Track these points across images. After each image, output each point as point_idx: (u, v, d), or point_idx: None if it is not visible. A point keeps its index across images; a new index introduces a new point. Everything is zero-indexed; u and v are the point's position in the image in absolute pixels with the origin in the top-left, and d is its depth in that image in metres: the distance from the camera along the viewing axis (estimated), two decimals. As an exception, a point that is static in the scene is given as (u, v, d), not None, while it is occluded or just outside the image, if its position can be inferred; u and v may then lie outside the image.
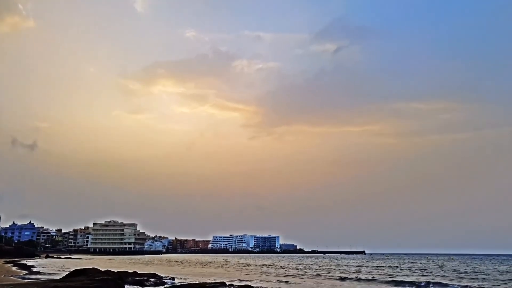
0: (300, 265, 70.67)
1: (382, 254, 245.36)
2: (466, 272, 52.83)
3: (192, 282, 31.52)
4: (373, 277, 41.00)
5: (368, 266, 68.97)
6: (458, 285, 32.89)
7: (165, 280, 35.84)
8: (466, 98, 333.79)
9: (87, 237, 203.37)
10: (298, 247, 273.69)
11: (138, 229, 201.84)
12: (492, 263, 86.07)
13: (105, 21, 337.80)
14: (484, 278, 41.14)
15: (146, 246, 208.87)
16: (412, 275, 44.77)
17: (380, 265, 73.74)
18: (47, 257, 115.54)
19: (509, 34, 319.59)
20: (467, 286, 31.60)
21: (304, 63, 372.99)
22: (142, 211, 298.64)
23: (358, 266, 68.40)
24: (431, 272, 50.91)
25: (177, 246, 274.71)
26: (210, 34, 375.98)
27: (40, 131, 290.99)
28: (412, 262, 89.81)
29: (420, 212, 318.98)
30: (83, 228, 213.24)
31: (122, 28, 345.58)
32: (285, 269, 58.68)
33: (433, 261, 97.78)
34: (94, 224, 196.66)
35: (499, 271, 54.42)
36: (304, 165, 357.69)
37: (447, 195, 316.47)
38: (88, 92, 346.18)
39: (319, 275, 45.04)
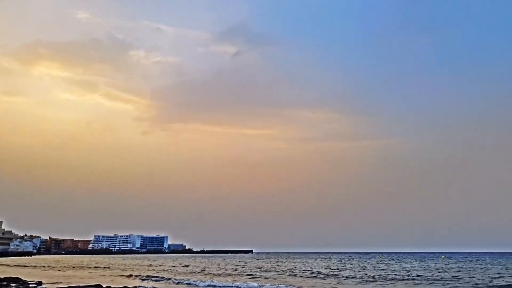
0: (176, 266, 68.84)
1: (268, 253, 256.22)
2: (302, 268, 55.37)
3: (64, 287, 27.64)
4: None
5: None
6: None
7: (31, 285, 30.95)
8: (347, 109, 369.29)
9: None
10: (187, 247, 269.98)
11: (3, 227, 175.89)
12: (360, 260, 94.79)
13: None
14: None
15: (12, 247, 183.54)
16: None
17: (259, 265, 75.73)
18: None
19: (390, 54, 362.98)
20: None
21: (204, 62, 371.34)
22: (9, 206, 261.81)
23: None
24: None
25: (52, 247, 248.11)
26: (106, 19, 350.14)
27: None
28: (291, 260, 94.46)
29: (308, 213, 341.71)
30: None
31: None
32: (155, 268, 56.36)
33: (321, 260, 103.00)
34: None
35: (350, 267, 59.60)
36: (199, 164, 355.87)
37: (334, 198, 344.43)
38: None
39: (193, 272, 44.04)
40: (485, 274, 42.26)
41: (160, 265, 69.13)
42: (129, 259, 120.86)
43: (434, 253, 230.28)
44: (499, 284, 30.55)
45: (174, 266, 64.97)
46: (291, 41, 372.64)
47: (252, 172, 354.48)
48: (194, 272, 48.76)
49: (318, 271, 47.72)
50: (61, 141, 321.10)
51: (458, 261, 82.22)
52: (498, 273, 42.54)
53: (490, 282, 31.62)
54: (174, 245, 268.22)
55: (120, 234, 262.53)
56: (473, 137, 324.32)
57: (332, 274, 42.33)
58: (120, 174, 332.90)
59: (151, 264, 74.08)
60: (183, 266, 66.56)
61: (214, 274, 45.34)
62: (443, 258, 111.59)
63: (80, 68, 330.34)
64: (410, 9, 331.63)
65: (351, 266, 62.56)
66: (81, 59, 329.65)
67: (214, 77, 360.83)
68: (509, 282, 31.95)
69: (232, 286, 31.00)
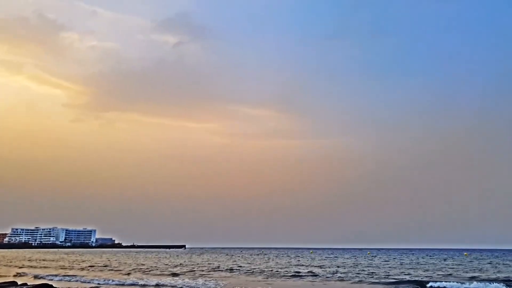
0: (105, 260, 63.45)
1: (202, 248, 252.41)
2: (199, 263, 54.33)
3: None
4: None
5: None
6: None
7: None
8: (288, 108, 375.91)
9: None
10: (116, 242, 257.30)
11: None
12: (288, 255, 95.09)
13: None
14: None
15: None
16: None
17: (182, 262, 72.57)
18: None
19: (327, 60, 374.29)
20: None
21: (143, 50, 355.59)
22: None
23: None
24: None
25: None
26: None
27: None
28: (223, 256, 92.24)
29: (243, 209, 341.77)
30: None
31: None
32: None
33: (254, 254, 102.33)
34: None
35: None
36: (133, 156, 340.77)
37: (271, 195, 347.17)
38: None
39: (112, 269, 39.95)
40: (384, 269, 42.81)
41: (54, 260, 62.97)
42: (41, 253, 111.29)
43: (362, 249, 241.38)
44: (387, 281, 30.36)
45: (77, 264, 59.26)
46: (234, 36, 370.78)
47: (189, 166, 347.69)
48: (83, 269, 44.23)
49: (239, 266, 46.04)
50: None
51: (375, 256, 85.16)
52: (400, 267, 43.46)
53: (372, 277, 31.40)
54: (102, 239, 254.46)
55: (42, 227, 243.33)
56: (399, 140, 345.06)
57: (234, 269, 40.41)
58: (45, 164, 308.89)
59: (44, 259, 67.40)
60: (82, 261, 61.08)
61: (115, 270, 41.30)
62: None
63: (4, 46, 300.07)
64: (350, 16, 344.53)
65: (278, 261, 61.51)
66: (5, 36, 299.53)
67: (153, 66, 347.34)
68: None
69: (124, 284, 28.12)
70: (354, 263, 56.26)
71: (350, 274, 35.85)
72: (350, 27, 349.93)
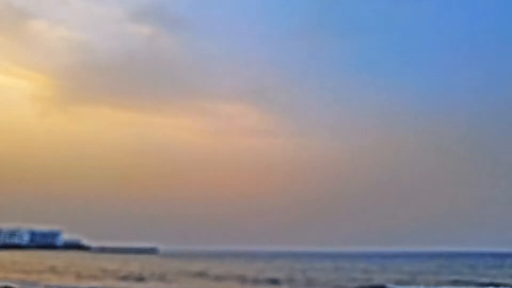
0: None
1: (180, 254, 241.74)
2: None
3: None
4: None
5: None
6: None
7: None
8: (264, 105, 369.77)
9: None
10: (86, 243, 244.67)
11: None
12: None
13: None
14: None
15: None
16: None
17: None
18: None
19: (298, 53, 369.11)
20: None
21: (116, 41, 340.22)
22: None
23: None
24: None
25: None
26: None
27: None
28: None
29: (218, 209, 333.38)
30: None
31: None
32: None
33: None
34: None
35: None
36: (104, 151, 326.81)
37: (249, 195, 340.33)
38: None
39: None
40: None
41: None
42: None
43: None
44: None
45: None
46: (210, 29, 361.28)
47: (159, 162, 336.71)
48: None
49: None
50: None
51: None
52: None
53: None
54: (70, 240, 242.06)
55: (5, 227, 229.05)
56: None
57: None
58: (9, 159, 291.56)
59: None
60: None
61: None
62: None
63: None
64: (330, 12, 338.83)
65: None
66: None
67: (126, 59, 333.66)
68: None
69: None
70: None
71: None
72: (330, 22, 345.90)
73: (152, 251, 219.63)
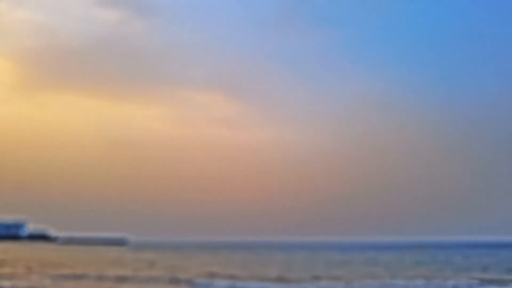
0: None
1: (152, 245, 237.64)
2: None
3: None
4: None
5: None
6: None
7: None
8: (238, 95, 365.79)
9: None
10: (52, 233, 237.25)
11: None
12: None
13: None
14: None
15: None
16: None
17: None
18: None
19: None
20: None
21: (82, 26, 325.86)
22: None
23: None
24: None
25: None
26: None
27: None
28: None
29: (189, 200, 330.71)
30: None
31: None
32: None
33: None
34: None
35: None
36: (71, 139, 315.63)
37: (219, 187, 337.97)
38: None
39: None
40: None
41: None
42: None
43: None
44: None
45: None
46: (183, 16, 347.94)
47: (127, 152, 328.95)
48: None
49: None
50: None
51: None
52: None
53: None
54: (36, 230, 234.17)
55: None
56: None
57: None
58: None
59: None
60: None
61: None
62: None
63: None
64: (307, 2, 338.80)
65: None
66: None
67: (93, 43, 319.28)
68: None
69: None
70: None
71: None
72: (307, 11, 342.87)
73: (121, 241, 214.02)
